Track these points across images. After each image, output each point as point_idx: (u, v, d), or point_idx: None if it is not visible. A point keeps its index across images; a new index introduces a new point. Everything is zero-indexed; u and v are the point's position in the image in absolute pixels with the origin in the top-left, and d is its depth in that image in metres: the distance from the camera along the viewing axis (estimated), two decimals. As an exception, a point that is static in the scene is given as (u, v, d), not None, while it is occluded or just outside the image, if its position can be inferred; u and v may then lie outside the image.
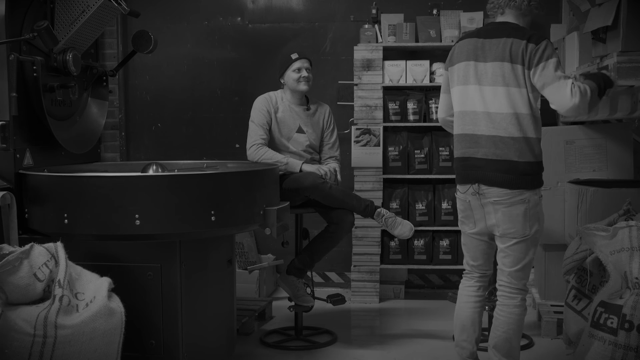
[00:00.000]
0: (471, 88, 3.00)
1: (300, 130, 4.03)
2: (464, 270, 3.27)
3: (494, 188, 2.95)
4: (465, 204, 3.09)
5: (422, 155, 4.90)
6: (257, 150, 3.88)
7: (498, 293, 3.13)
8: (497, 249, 3.12)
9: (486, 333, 3.89)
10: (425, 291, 5.20)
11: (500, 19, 3.07)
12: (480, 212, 3.03)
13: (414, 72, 4.87)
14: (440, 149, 4.86)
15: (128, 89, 5.42)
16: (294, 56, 3.98)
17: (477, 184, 2.99)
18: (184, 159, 4.24)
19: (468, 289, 3.21)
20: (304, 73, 3.97)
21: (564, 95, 2.81)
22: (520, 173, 2.92)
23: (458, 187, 3.11)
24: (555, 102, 2.86)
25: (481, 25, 4.68)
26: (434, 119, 4.79)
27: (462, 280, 3.27)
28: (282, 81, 4.04)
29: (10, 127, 3.18)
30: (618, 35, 3.04)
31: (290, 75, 3.97)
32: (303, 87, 3.98)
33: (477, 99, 2.98)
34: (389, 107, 4.92)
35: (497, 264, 3.12)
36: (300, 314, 4.04)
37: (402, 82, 4.89)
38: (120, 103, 5.32)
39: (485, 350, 3.68)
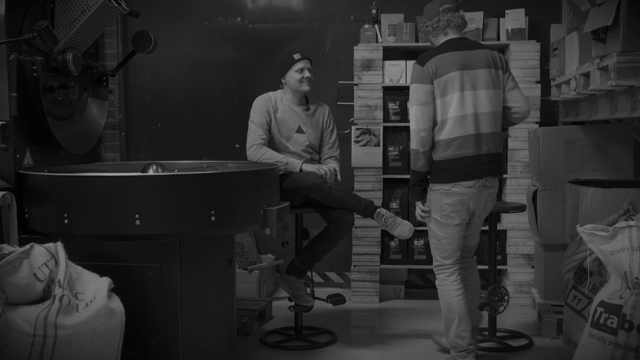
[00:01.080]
0: (468, 93, 3.27)
1: (299, 130, 4.02)
2: (438, 267, 3.42)
3: (494, 178, 3.36)
4: (465, 198, 3.28)
5: (422, 155, 4.90)
6: (257, 150, 3.88)
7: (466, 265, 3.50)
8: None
9: (486, 333, 3.90)
10: (425, 291, 5.20)
11: (446, 37, 3.37)
12: (477, 203, 3.32)
13: (414, 72, 4.86)
14: (440, 149, 4.86)
15: (128, 89, 5.42)
16: (297, 56, 3.98)
17: (484, 178, 3.30)
18: (184, 159, 4.24)
19: (454, 284, 3.38)
20: (307, 74, 3.96)
21: (525, 99, 3.41)
22: (501, 162, 3.43)
23: (461, 183, 3.27)
24: (521, 102, 3.38)
25: (481, 27, 4.72)
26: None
27: (442, 277, 3.40)
28: (282, 81, 4.03)
29: (10, 127, 3.18)
30: (618, 35, 3.04)
31: (293, 76, 3.97)
32: (305, 87, 3.98)
33: (477, 102, 3.27)
34: (389, 107, 4.92)
35: (465, 248, 3.47)
36: (300, 314, 4.04)
37: (402, 82, 4.89)
38: (120, 103, 5.32)
39: (485, 350, 3.70)
